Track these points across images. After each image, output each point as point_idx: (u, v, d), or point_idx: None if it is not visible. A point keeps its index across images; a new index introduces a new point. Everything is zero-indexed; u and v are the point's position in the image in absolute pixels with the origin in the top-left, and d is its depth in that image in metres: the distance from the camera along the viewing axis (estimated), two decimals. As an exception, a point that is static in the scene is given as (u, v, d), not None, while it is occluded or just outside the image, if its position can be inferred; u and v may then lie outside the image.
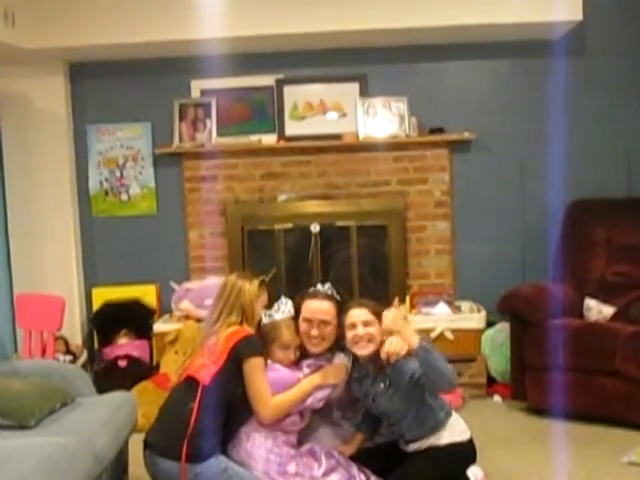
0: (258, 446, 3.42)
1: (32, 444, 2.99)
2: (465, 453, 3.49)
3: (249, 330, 3.49)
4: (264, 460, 3.39)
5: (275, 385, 3.45)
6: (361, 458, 3.63)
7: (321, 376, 3.52)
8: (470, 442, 3.55)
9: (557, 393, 4.66)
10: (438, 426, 3.48)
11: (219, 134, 5.81)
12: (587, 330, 4.68)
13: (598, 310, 4.94)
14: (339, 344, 3.67)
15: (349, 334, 3.58)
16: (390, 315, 3.49)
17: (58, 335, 5.22)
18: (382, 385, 3.50)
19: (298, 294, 3.82)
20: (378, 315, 3.58)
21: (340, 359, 3.63)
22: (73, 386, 3.76)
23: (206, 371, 3.38)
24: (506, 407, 5.03)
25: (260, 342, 3.49)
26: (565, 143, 5.60)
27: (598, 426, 4.48)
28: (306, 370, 3.56)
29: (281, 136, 5.81)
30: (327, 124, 5.81)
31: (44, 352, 4.74)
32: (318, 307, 3.63)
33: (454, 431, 3.50)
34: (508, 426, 4.66)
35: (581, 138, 5.65)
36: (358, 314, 3.59)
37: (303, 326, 3.63)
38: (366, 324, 3.56)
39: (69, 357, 5.41)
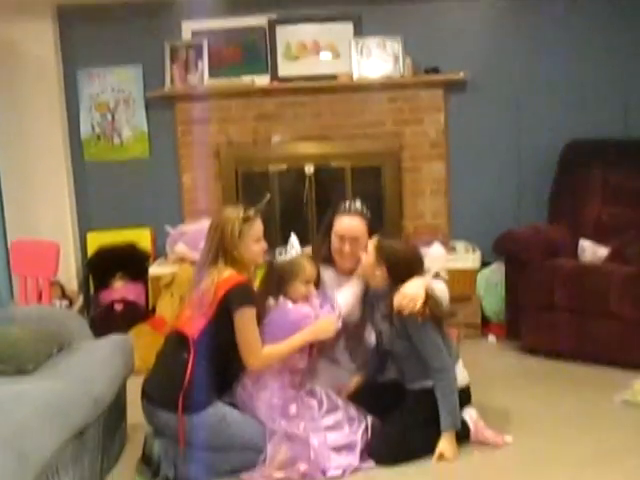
0: (264, 388, 3.45)
1: (30, 389, 3.02)
2: (461, 398, 3.52)
3: (241, 277, 3.39)
4: (268, 402, 3.42)
5: (285, 326, 3.46)
6: (360, 396, 3.67)
7: (311, 332, 3.49)
8: (468, 387, 3.60)
9: (551, 333, 4.70)
10: None
11: (211, 76, 5.74)
12: (582, 271, 4.69)
13: (593, 251, 4.95)
14: None
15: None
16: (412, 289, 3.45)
17: (54, 281, 5.23)
18: (387, 325, 3.53)
19: (330, 210, 3.96)
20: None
21: (350, 291, 3.67)
22: (70, 331, 3.77)
23: (195, 325, 3.33)
24: (500, 347, 5.07)
25: (252, 289, 3.44)
26: (562, 84, 5.56)
27: (592, 366, 4.52)
28: (316, 301, 3.57)
29: (274, 77, 5.74)
30: (321, 65, 5.73)
31: (40, 298, 4.75)
32: (349, 224, 3.77)
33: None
34: (502, 366, 4.71)
35: (578, 78, 5.58)
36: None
37: (335, 242, 3.78)
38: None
39: (65, 302, 5.43)
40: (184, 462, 3.30)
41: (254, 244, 3.48)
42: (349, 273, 3.81)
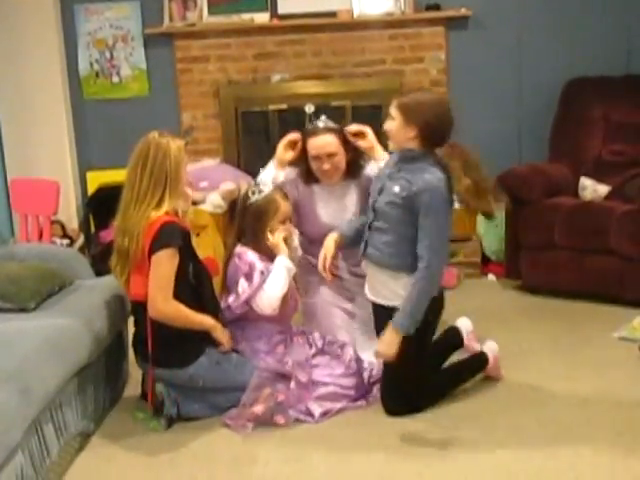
0: (252, 329, 3.46)
1: (32, 326, 3.05)
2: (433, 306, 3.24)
3: (164, 217, 3.17)
4: (253, 345, 3.44)
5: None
6: None
7: (213, 326, 3.30)
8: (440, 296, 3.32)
9: (551, 272, 4.72)
10: (404, 268, 3.19)
11: (210, 13, 5.67)
12: (582, 209, 4.70)
13: (593, 189, 4.94)
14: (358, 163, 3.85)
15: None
16: None
17: (54, 219, 5.22)
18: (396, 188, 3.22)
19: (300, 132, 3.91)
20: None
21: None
22: (71, 269, 3.80)
23: (141, 287, 3.19)
24: (500, 286, 5.09)
25: (176, 228, 3.19)
26: (563, 19, 5.49)
27: (591, 303, 4.56)
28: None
29: (274, 14, 5.66)
30: (321, 1, 5.64)
31: (41, 236, 4.76)
32: (322, 142, 3.72)
33: None
34: (502, 304, 4.73)
35: (580, 14, 5.50)
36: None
37: (314, 164, 3.76)
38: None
39: (66, 241, 5.43)
40: (186, 401, 3.32)
41: (185, 173, 3.31)
42: (337, 182, 3.86)
